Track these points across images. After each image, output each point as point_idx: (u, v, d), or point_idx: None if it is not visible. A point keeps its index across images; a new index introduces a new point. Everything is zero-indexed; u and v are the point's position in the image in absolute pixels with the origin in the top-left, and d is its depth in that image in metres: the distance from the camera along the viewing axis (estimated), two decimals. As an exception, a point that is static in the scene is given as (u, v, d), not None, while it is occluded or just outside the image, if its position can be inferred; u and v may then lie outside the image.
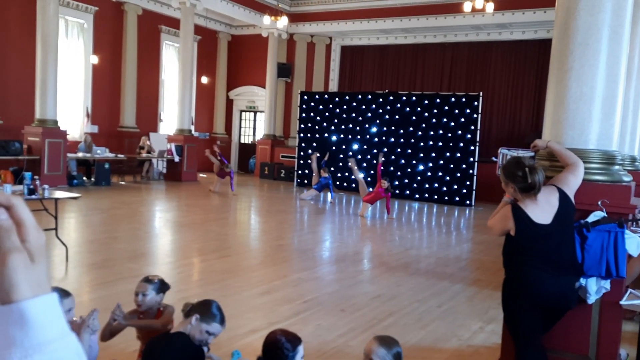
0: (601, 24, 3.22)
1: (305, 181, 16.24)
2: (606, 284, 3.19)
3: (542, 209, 2.92)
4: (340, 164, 15.64)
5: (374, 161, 14.95)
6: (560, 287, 2.95)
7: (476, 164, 13.59)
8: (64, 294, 2.86)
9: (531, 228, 2.91)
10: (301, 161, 16.44)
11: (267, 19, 16.70)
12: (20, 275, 0.61)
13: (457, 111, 13.74)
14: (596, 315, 3.28)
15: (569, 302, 3.02)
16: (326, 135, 15.93)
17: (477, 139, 13.55)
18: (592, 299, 3.21)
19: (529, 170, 2.85)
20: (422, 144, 14.25)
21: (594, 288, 3.19)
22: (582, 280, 3.14)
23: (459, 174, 13.75)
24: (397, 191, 14.54)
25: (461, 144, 13.69)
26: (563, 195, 2.97)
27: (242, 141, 21.00)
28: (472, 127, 13.56)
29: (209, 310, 2.72)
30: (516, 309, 3.03)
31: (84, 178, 13.61)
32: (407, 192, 14.44)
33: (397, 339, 2.83)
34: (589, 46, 3.23)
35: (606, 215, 3.15)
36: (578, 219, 3.14)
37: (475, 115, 13.51)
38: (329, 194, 13.54)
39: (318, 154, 14.10)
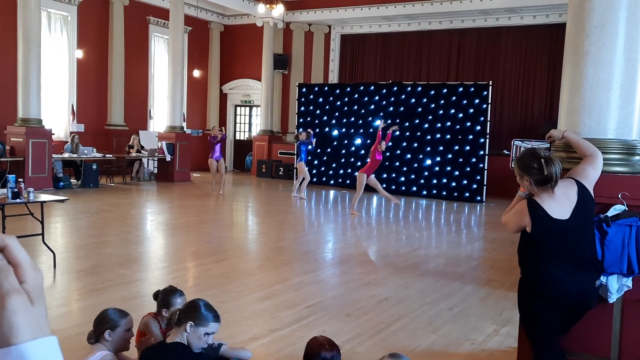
0: (618, 5, 3.21)
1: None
2: (628, 282, 3.19)
3: (560, 203, 2.92)
4: (343, 160, 15.64)
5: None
6: (579, 286, 2.95)
7: (487, 157, 13.58)
8: (121, 314, 2.99)
9: (548, 224, 2.90)
10: (301, 158, 16.42)
11: (261, 8, 16.70)
12: (20, 317, 0.63)
13: (465, 101, 13.73)
14: (618, 314, 3.28)
15: (588, 301, 3.02)
16: (327, 129, 15.93)
17: (488, 131, 13.54)
18: (613, 297, 3.21)
19: (544, 161, 2.85)
20: (429, 137, 14.24)
21: (615, 286, 3.19)
22: (603, 278, 3.14)
23: (468, 168, 13.74)
24: (404, 187, 14.55)
25: (470, 137, 13.68)
26: (582, 189, 2.97)
27: (237, 138, 21.00)
28: (482, 118, 13.55)
29: (200, 313, 2.71)
30: (533, 309, 3.03)
31: (71, 180, 13.62)
32: (414, 188, 14.43)
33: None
34: (606, 29, 3.23)
35: (627, 208, 3.15)
36: (597, 213, 3.14)
37: (484, 106, 13.50)
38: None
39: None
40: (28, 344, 0.63)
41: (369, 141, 15.16)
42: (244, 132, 20.99)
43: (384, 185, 14.78)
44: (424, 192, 14.27)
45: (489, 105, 13.52)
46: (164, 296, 3.31)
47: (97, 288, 5.50)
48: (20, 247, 0.68)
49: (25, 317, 0.64)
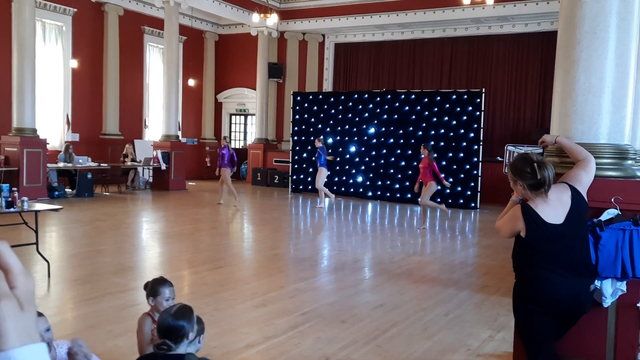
0: (608, 11, 3.23)
1: (301, 187, 16.22)
2: (622, 286, 3.18)
3: (554, 208, 2.91)
4: (337, 168, 15.63)
5: (373, 163, 14.97)
6: (574, 290, 2.94)
7: (480, 164, 13.61)
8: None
9: (542, 228, 2.89)
10: (295, 166, 16.42)
11: (256, 17, 16.72)
12: (9, 323, 0.62)
13: (458, 109, 13.77)
14: (612, 319, 3.27)
15: (583, 306, 3.01)
16: (321, 137, 15.91)
17: (481, 138, 13.58)
18: (607, 301, 3.20)
19: (537, 165, 2.85)
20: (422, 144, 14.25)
21: (610, 290, 3.18)
22: (597, 282, 3.13)
23: (462, 175, 13.76)
24: (398, 194, 14.56)
25: (464, 144, 13.71)
26: (575, 193, 2.96)
27: (232, 146, 20.97)
28: (475, 125, 13.59)
29: (188, 329, 2.62)
30: (528, 314, 3.01)
31: (66, 189, 13.55)
32: (409, 195, 14.42)
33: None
34: (597, 35, 3.24)
35: (620, 212, 3.14)
36: (590, 218, 3.14)
37: (477, 113, 13.55)
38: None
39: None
40: (16, 351, 0.62)
41: (363, 149, 15.19)
42: (239, 140, 20.98)
43: (378, 193, 14.87)
44: (419, 199, 14.24)
45: (482, 113, 13.57)
46: (153, 285, 3.28)
47: (92, 297, 5.46)
48: (11, 253, 0.67)
49: (14, 323, 0.63)
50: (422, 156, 10.57)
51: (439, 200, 12.28)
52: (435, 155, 11.49)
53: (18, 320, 0.63)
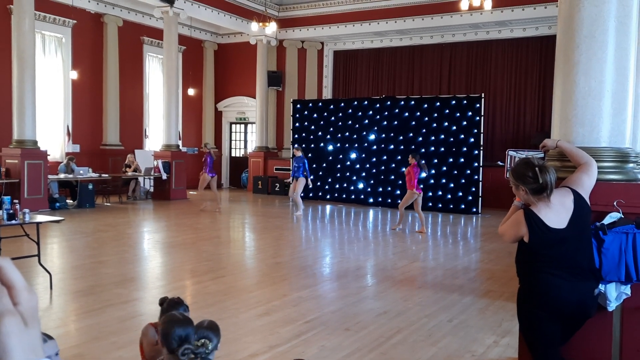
0: (607, 15, 3.24)
1: (302, 194, 16.18)
2: (626, 289, 3.18)
3: (557, 213, 2.91)
4: (338, 175, 15.64)
5: (373, 170, 14.98)
6: (578, 294, 2.93)
7: (481, 169, 13.61)
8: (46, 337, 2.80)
9: (546, 233, 2.89)
10: (296, 173, 16.41)
11: (254, 26, 16.77)
12: (14, 340, 0.62)
13: (458, 114, 13.79)
14: (617, 322, 3.26)
15: (588, 310, 3.00)
16: (322, 144, 15.95)
17: (481, 143, 13.58)
18: (612, 305, 3.19)
19: (539, 169, 2.84)
20: (423, 150, 14.26)
21: (614, 294, 3.18)
22: (601, 286, 3.12)
23: (463, 180, 13.75)
24: (399, 201, 14.52)
25: (464, 149, 13.72)
26: (578, 197, 2.96)
27: (233, 155, 21.00)
28: (475, 130, 13.60)
29: (191, 334, 2.63)
30: (533, 319, 3.00)
31: (67, 200, 13.55)
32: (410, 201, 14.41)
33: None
34: (595, 39, 3.25)
35: (622, 216, 3.14)
36: (593, 221, 3.13)
37: (477, 118, 13.56)
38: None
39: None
40: None
41: (363, 155, 15.20)
42: (240, 149, 21.00)
43: (379, 199, 14.86)
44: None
45: (482, 117, 13.58)
46: (168, 307, 3.22)
47: (94, 308, 5.44)
48: (14, 269, 0.67)
49: (19, 339, 0.63)
50: (410, 164, 10.66)
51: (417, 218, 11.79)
52: (424, 161, 11.46)
53: (22, 337, 0.63)
